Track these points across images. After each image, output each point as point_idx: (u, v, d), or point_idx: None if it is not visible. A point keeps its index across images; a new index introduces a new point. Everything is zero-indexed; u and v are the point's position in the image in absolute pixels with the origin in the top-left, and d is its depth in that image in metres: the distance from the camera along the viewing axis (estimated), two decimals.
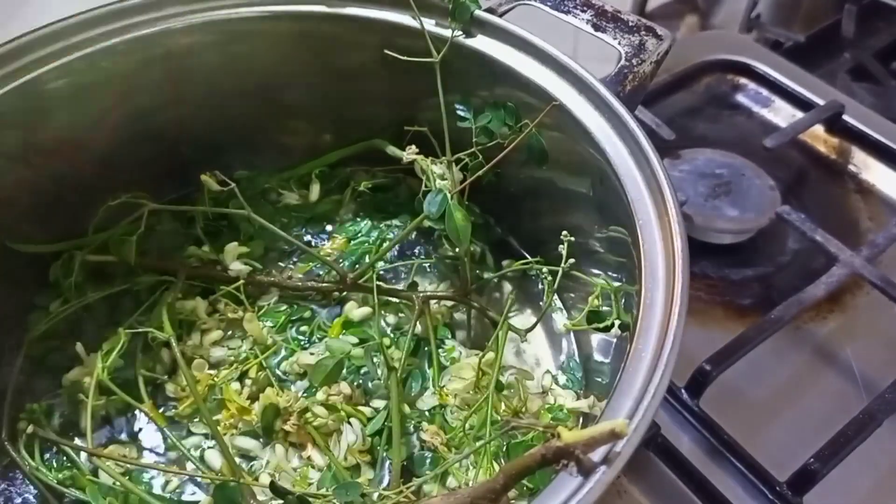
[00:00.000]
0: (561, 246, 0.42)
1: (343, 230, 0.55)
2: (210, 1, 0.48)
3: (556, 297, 0.52)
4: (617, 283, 0.43)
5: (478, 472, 0.40)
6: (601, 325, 0.42)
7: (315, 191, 0.56)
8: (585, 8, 0.48)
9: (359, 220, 0.55)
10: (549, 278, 0.45)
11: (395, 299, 0.50)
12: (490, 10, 0.47)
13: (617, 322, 0.42)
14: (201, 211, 0.50)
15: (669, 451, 0.45)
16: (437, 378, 0.45)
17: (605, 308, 0.43)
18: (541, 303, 0.51)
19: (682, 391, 0.47)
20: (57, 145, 0.47)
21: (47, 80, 0.44)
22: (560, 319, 0.51)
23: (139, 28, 0.46)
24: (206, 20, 0.48)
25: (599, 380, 0.46)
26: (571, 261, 0.42)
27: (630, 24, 0.47)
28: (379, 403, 0.45)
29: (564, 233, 0.42)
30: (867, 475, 0.45)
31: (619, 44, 0.46)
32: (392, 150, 0.51)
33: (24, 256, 0.48)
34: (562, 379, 0.48)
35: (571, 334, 0.50)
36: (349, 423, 0.44)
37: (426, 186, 0.44)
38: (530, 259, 0.48)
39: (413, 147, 0.47)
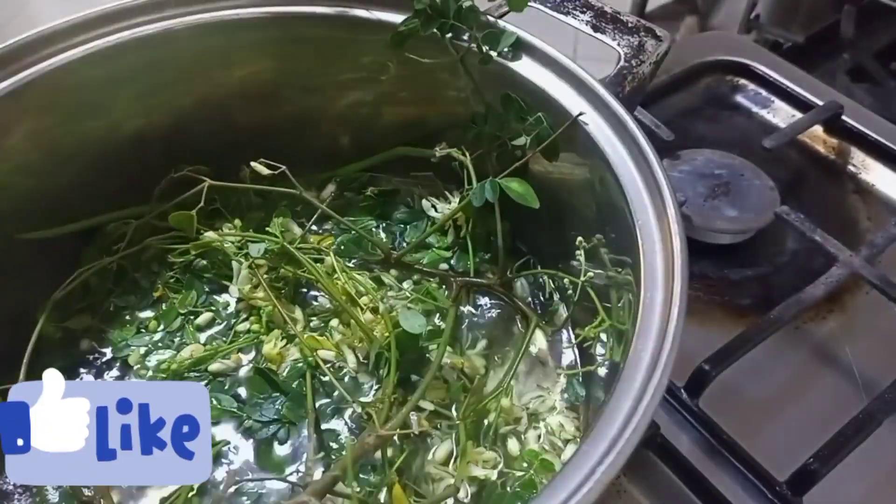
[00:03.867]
0: (578, 252, 0.42)
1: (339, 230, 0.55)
2: (213, 2, 0.48)
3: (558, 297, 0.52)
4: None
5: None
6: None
7: (329, 190, 0.57)
8: (585, 9, 0.48)
9: (362, 219, 0.56)
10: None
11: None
12: (489, 12, 0.47)
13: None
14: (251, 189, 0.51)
15: (669, 450, 0.45)
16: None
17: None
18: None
19: (682, 391, 0.47)
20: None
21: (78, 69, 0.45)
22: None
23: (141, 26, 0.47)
24: (208, 21, 0.48)
25: (600, 374, 0.46)
26: (591, 274, 0.42)
27: (629, 25, 0.47)
28: None
29: (580, 239, 0.42)
30: (867, 475, 0.45)
31: (619, 45, 0.46)
32: (419, 151, 0.52)
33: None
34: (562, 372, 0.48)
35: (571, 330, 0.50)
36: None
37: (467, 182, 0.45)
38: (544, 270, 0.49)
39: (443, 143, 0.48)
